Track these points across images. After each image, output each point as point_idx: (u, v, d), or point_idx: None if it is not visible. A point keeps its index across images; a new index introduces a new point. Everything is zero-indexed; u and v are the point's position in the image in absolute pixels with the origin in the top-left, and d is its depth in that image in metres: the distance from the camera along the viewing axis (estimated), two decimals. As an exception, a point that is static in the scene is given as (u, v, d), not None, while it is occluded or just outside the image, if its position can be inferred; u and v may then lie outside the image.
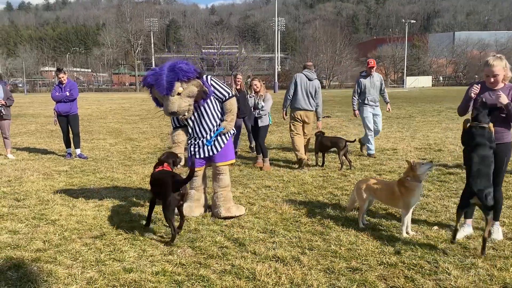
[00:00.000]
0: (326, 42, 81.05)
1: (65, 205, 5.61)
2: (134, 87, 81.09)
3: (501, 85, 4.27)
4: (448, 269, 3.58)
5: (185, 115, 4.89)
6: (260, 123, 8.00)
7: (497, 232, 4.31)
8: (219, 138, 5.13)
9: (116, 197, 5.98)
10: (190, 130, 5.17)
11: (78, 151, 9.31)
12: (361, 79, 8.93)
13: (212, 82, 5.08)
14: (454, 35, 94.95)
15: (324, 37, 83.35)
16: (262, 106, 7.92)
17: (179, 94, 4.69)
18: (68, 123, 9.20)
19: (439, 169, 7.45)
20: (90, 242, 4.28)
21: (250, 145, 9.92)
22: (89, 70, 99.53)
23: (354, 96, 9.02)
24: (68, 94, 8.98)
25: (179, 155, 5.03)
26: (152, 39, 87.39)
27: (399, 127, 13.86)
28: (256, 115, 7.98)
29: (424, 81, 74.72)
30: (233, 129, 5.29)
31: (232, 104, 5.18)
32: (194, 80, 4.78)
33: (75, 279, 3.51)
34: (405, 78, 72.28)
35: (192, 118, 5.06)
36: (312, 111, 8.03)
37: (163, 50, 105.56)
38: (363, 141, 9.16)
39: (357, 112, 9.03)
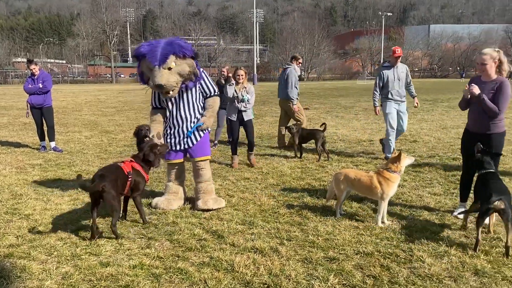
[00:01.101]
0: (304, 34, 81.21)
1: (39, 199, 5.49)
2: (110, 79, 79.61)
3: (493, 77, 4.39)
4: (423, 257, 3.67)
5: (169, 92, 4.75)
6: (246, 117, 7.43)
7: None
8: (196, 132, 5.08)
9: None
10: (168, 114, 5.07)
11: (52, 144, 9.11)
12: (384, 71, 7.74)
13: (203, 74, 5.04)
14: (429, 28, 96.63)
15: (302, 29, 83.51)
16: (248, 99, 7.28)
17: (170, 69, 4.61)
18: (42, 115, 8.97)
19: (415, 160, 7.59)
20: (65, 237, 4.21)
21: (229, 139, 9.44)
22: (64, 61, 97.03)
23: (376, 91, 7.78)
24: (41, 86, 8.74)
25: (158, 133, 4.95)
26: (128, 30, 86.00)
27: (376, 119, 14.04)
28: (241, 109, 7.32)
29: (400, 74, 75.65)
30: (209, 128, 5.27)
31: (215, 102, 5.15)
32: (189, 59, 4.75)
33: (50, 274, 3.45)
34: (381, 70, 73.09)
35: (173, 100, 4.95)
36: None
37: (140, 41, 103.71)
38: (385, 142, 7.84)
39: (378, 108, 7.91)
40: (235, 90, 7.24)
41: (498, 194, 3.73)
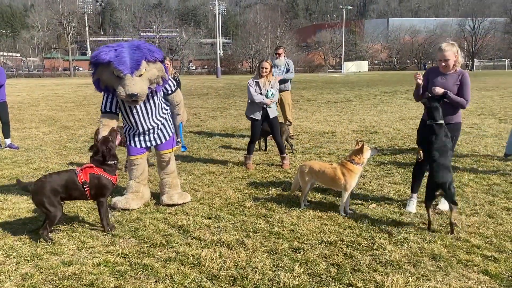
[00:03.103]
0: (267, 27, 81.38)
1: (-5, 199, 5.27)
2: (68, 73, 76.92)
3: (452, 70, 4.51)
4: (383, 245, 3.80)
5: (137, 101, 4.45)
6: (272, 114, 6.78)
7: (443, 204, 4.69)
8: (168, 128, 4.99)
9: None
10: (132, 122, 4.76)
11: (8, 141, 8.74)
12: None
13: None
14: (388, 22, 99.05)
15: (265, 22, 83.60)
16: (273, 94, 6.67)
17: (140, 75, 4.34)
18: (-5, 111, 8.57)
19: (378, 151, 7.82)
20: (24, 237, 4.07)
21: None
22: (18, 55, 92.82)
23: None
24: (-7, 80, 8.35)
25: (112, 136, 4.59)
26: (86, 22, 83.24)
27: (338, 111, 14.33)
28: (265, 106, 6.69)
29: (361, 66, 77.55)
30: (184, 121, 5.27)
31: (180, 96, 5.06)
32: (157, 63, 4.52)
33: (9, 276, 3.33)
34: (343, 63, 74.57)
35: (138, 108, 4.67)
36: None
37: (99, 33, 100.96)
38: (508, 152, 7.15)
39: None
40: (259, 86, 6.66)
41: (442, 179, 4.05)
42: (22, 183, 4.02)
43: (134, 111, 4.70)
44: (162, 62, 4.61)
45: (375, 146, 5.01)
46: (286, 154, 6.97)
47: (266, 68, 6.61)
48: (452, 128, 4.51)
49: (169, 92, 4.95)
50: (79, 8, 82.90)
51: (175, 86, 5.01)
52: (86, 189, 4.07)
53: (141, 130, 4.83)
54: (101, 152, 4.19)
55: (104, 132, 4.50)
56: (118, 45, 4.45)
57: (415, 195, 4.83)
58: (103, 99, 4.77)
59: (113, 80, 4.36)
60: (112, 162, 4.25)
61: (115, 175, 4.30)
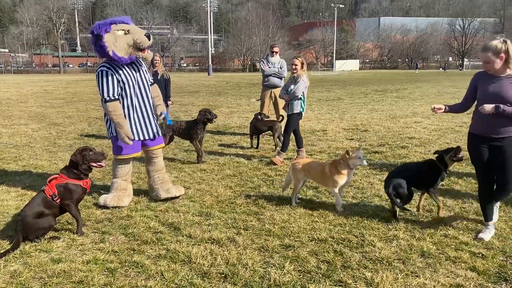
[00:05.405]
0: (259, 24, 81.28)
1: (-17, 196, 5.21)
2: (57, 69, 76.13)
3: (506, 72, 3.66)
4: (373, 242, 3.83)
5: (139, 51, 4.67)
6: (289, 110, 6.84)
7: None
8: (157, 123, 5.10)
9: (41, 185, 5.62)
10: (129, 103, 4.72)
11: (-4, 137, 8.63)
12: None
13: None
14: (379, 20, 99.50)
15: (257, 20, 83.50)
16: (291, 90, 6.70)
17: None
18: (-17, 107, 8.47)
19: (365, 148, 7.87)
20: (13, 234, 4.02)
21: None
22: (6, 50, 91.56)
23: None
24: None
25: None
26: (76, 18, 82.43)
27: (329, 109, 14.37)
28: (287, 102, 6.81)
29: (352, 65, 77.86)
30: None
31: (157, 91, 5.19)
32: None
33: (-3, 273, 3.30)
34: (334, 62, 74.79)
35: (137, 86, 4.78)
36: None
37: (89, 29, 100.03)
38: None
39: None
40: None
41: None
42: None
43: (137, 86, 4.78)
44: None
45: (366, 158, 4.77)
46: (303, 148, 7.13)
47: (296, 65, 6.69)
48: (510, 142, 3.69)
49: (151, 83, 5.08)
50: (69, 4, 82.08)
51: (152, 81, 5.08)
52: (56, 200, 3.96)
53: (143, 110, 4.85)
54: (75, 161, 4.12)
55: (124, 127, 4.63)
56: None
57: (489, 222, 4.01)
58: (103, 84, 4.57)
59: (123, 39, 4.51)
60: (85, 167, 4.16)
61: (85, 180, 4.17)
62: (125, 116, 4.71)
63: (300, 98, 6.76)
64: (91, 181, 4.52)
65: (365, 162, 4.62)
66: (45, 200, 3.94)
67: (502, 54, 3.56)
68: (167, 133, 7.09)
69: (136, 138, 4.83)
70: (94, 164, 4.18)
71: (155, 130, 4.98)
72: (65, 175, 4.10)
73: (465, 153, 4.29)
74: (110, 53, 4.47)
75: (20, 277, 3.24)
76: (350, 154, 4.59)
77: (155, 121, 5.03)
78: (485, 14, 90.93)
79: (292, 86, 6.70)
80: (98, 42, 4.51)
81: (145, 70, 4.95)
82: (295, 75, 6.74)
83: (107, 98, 4.57)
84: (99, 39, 4.49)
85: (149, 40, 4.65)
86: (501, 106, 3.58)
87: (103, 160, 4.26)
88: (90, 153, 4.17)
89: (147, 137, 4.92)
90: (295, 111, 6.82)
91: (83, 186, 4.14)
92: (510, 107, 3.58)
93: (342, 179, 4.64)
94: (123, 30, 4.55)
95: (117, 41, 4.49)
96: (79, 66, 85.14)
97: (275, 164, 6.74)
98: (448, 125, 10.48)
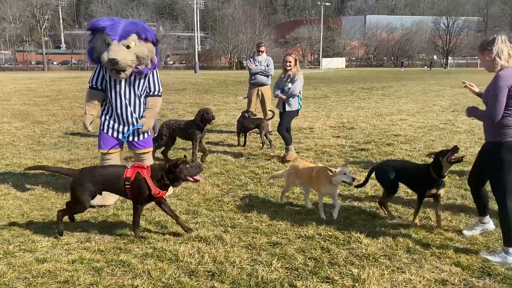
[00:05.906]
0: (245, 22, 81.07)
1: (-36, 195, 5.11)
2: (41, 66, 74.95)
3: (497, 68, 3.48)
4: (360, 238, 3.86)
5: (120, 73, 4.47)
6: (287, 107, 6.72)
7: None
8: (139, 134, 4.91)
9: (25, 184, 5.57)
10: (112, 101, 4.71)
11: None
12: None
13: (154, 71, 4.86)
14: (365, 19, 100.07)
15: (243, 17, 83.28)
16: (289, 90, 6.61)
17: (128, 47, 4.42)
18: (-36, 105, 8.30)
19: (352, 146, 7.93)
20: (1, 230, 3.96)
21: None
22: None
23: None
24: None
25: (91, 115, 4.71)
26: (60, 14, 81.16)
27: (316, 107, 14.43)
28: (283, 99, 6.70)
29: (339, 63, 78.14)
30: (151, 130, 5.10)
31: (158, 102, 4.95)
32: (150, 43, 4.63)
33: (-20, 274, 3.24)
34: (321, 60, 75.00)
35: (122, 87, 4.65)
36: None
37: (74, 26, 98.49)
38: None
39: None
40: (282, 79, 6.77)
41: None
42: None
43: (118, 88, 4.66)
44: (154, 45, 4.70)
45: (352, 177, 4.39)
46: (291, 145, 6.94)
47: (290, 62, 6.62)
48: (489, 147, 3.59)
49: (153, 92, 4.88)
50: (53, 0, 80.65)
51: (160, 92, 4.93)
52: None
53: (118, 112, 4.74)
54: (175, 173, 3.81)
55: (89, 117, 4.70)
56: (118, 18, 4.65)
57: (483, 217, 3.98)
58: (93, 72, 4.80)
59: (103, 46, 4.44)
60: None
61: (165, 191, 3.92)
62: (103, 108, 4.84)
63: (297, 96, 6.76)
64: None
65: (350, 180, 4.21)
66: (118, 174, 3.81)
67: (486, 52, 3.48)
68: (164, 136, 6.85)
69: (105, 131, 4.81)
70: (190, 178, 3.84)
71: (125, 133, 4.81)
72: (152, 172, 3.83)
73: (465, 153, 4.31)
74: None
75: (4, 278, 3.19)
76: (334, 171, 4.21)
77: (126, 137, 4.83)
78: (469, 13, 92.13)
79: (289, 85, 6.62)
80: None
81: (143, 83, 4.78)
82: (290, 73, 6.66)
83: (89, 84, 4.81)
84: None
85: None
86: (470, 109, 3.65)
87: (198, 174, 3.91)
88: (187, 165, 3.82)
89: (115, 136, 4.82)
90: (293, 108, 6.76)
91: (154, 194, 3.80)
92: (474, 109, 3.61)
93: (326, 188, 4.40)
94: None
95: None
96: (59, 64, 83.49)
97: (289, 161, 6.64)
98: (433, 122, 10.62)
